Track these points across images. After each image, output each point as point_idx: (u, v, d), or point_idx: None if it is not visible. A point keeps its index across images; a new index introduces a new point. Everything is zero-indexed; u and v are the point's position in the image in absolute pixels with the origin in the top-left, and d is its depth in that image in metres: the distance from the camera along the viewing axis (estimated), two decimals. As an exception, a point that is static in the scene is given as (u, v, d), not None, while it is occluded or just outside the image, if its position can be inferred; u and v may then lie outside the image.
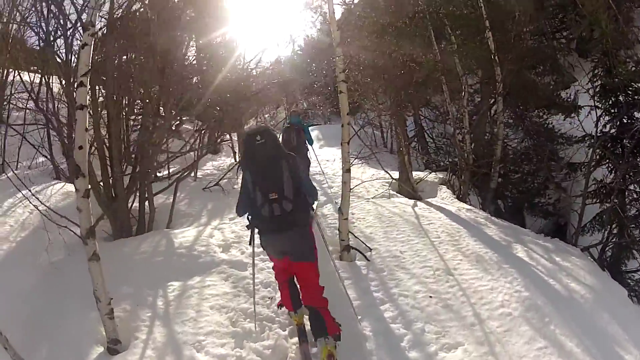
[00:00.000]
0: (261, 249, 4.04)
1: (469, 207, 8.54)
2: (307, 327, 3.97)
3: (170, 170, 9.62)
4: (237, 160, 12.99)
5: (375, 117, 14.30)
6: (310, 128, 9.29)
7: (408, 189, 8.80)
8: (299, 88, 21.29)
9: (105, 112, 6.50)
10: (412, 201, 7.99)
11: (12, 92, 10.20)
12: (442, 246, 5.83)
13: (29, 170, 8.56)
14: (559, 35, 14.59)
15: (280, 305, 4.32)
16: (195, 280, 4.90)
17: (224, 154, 15.19)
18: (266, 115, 23.88)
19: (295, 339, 4.05)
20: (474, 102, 12.75)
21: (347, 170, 5.23)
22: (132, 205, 6.87)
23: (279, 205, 3.40)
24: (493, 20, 9.74)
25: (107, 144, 6.55)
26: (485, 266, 5.30)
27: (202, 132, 9.58)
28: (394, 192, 8.72)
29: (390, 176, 9.05)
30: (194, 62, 10.24)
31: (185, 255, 5.48)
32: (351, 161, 5.45)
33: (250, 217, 3.65)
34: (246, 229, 3.79)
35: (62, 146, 8.57)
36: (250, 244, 3.93)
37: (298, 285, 3.94)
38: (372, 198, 7.11)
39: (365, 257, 5.39)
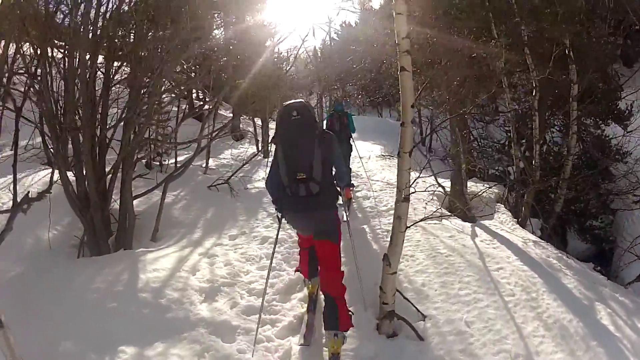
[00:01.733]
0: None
1: (535, 238, 6.39)
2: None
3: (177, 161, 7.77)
4: (260, 149, 11.15)
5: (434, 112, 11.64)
6: None
7: (461, 206, 6.59)
8: (333, 75, 18.94)
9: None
10: (468, 226, 5.87)
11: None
12: (518, 310, 3.85)
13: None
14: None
15: (297, 270, 3.87)
16: (156, 350, 3.09)
17: (247, 141, 13.26)
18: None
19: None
20: (528, 103, 10.53)
21: (404, 199, 3.07)
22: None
23: (305, 186, 3.05)
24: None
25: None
26: (572, 345, 3.60)
27: (210, 110, 7.53)
28: (445, 210, 6.52)
29: (443, 189, 6.81)
30: (221, 40, 9.00)
31: (149, 304, 3.57)
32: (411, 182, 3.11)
33: (276, 199, 3.35)
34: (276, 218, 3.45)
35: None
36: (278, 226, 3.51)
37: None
38: (421, 220, 5.06)
39: (416, 333, 3.32)
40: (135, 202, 5.62)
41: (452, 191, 7.08)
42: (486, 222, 6.55)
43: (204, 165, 8.58)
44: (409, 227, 3.13)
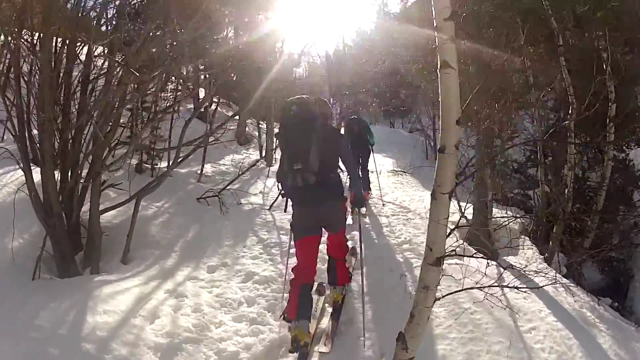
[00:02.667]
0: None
1: (565, 280, 5.34)
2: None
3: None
4: (263, 156, 10.39)
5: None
6: None
7: (484, 239, 5.58)
8: (346, 79, 17.80)
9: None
10: (494, 265, 4.90)
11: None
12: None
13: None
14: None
15: (283, 316, 3.29)
16: None
17: (252, 145, 12.33)
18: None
19: None
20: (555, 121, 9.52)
21: (436, 262, 2.02)
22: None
23: (301, 176, 3.08)
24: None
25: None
26: None
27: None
28: (467, 245, 5.45)
29: (465, 218, 5.76)
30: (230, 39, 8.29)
31: (93, 358, 2.69)
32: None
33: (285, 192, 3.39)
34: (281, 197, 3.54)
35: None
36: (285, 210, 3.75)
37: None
38: (456, 292, 4.14)
39: None
40: (112, 212, 4.80)
41: (475, 221, 6.02)
42: (511, 259, 5.60)
43: (199, 171, 7.70)
44: (439, 299, 2.15)
